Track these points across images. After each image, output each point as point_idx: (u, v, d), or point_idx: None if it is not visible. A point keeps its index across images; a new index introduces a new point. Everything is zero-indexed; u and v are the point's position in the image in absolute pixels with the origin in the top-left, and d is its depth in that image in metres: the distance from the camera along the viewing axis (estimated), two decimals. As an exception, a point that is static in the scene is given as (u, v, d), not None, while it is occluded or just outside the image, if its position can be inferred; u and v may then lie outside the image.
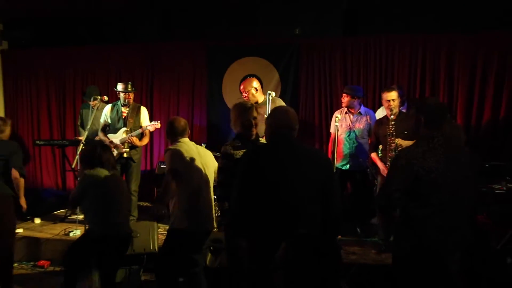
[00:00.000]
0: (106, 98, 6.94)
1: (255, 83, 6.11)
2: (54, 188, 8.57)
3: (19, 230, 6.41)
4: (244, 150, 3.65)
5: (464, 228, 3.19)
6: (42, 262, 6.02)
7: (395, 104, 5.71)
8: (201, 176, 4.38)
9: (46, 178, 8.75)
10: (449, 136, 3.29)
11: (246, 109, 4.03)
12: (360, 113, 6.21)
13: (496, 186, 5.84)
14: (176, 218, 4.33)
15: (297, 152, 3.26)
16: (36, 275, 5.78)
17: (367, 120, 6.19)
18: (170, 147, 4.43)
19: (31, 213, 7.13)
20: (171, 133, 4.50)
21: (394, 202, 3.21)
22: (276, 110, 3.54)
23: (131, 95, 6.69)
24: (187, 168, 4.29)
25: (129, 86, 6.66)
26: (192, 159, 4.32)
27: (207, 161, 4.51)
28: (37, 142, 7.96)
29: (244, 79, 6.82)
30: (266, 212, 3.15)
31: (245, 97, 5.99)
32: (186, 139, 4.50)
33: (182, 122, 4.52)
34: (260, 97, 6.08)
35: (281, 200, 3.13)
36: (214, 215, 4.59)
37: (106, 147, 4.71)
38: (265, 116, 4.72)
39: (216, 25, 8.02)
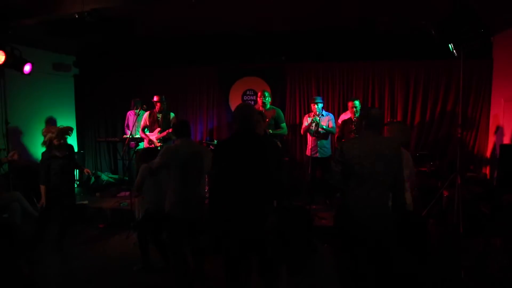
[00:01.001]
0: (145, 106, 7.04)
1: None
2: (109, 172, 8.67)
3: (85, 202, 6.55)
4: None
5: (383, 201, 3.02)
6: (101, 225, 6.14)
7: (357, 109, 5.82)
8: (192, 169, 3.85)
9: (103, 164, 8.86)
10: (383, 136, 3.24)
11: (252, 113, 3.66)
12: (323, 114, 6.27)
13: (423, 169, 5.97)
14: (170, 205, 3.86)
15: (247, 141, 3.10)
16: (98, 233, 5.86)
17: (328, 119, 6.28)
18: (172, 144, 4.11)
19: (95, 190, 7.31)
20: (181, 131, 3.97)
21: (336, 180, 3.14)
22: (237, 108, 3.24)
23: (164, 105, 6.72)
24: (178, 162, 3.80)
25: (162, 98, 6.71)
26: (183, 156, 3.81)
27: (199, 158, 3.89)
28: (98, 139, 8.08)
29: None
30: (233, 189, 3.00)
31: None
32: (186, 138, 3.97)
33: (187, 125, 4.04)
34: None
35: (243, 179, 2.98)
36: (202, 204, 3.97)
37: None
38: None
39: (224, 54, 8.08)
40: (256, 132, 3.25)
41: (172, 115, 6.85)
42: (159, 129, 6.63)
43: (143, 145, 6.90)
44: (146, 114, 6.78)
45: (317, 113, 6.13)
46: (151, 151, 4.69)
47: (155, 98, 6.69)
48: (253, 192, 2.96)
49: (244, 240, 2.82)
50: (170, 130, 6.50)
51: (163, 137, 6.55)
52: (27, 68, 6.23)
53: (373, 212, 2.97)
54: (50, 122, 8.06)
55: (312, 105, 6.27)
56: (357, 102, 6.00)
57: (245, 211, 2.92)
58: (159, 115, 6.72)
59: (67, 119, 8.83)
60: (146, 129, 6.77)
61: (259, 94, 6.39)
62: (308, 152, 6.28)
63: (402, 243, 2.28)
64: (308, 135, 6.26)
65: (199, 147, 4.18)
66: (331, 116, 6.38)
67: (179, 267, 3.83)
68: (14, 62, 5.98)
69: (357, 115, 5.72)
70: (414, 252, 2.18)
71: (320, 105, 6.22)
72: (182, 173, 3.80)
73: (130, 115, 7.48)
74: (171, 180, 3.86)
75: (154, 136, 6.62)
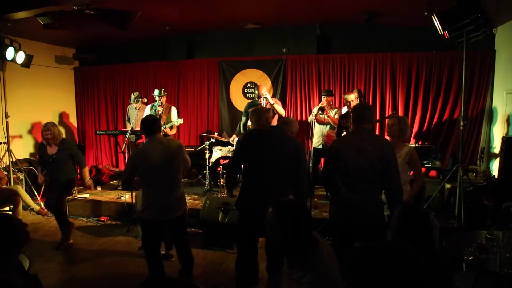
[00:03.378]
0: (145, 100, 7.01)
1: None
2: (109, 165, 8.67)
3: (86, 195, 6.53)
4: None
5: (367, 195, 3.03)
6: (102, 218, 6.13)
7: (353, 103, 5.76)
8: (162, 172, 3.60)
9: (104, 158, 8.83)
10: (372, 130, 3.21)
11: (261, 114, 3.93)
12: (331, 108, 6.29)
13: (425, 162, 5.92)
14: (141, 207, 3.71)
15: (273, 136, 3.53)
16: (99, 227, 5.89)
17: (335, 111, 6.26)
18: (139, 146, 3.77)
19: (95, 183, 7.28)
20: (148, 129, 3.65)
21: (327, 179, 3.22)
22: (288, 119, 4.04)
23: (164, 98, 6.71)
24: (147, 166, 3.54)
25: (162, 91, 6.66)
26: (155, 156, 3.54)
27: (172, 156, 3.65)
28: (98, 132, 8.03)
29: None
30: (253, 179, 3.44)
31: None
32: (156, 136, 3.64)
33: (153, 120, 3.74)
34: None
35: (262, 170, 3.38)
36: (178, 203, 3.75)
37: None
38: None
39: (225, 47, 8.04)
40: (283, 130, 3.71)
41: (173, 109, 6.83)
42: (160, 123, 6.58)
43: None
44: (148, 107, 6.77)
45: (325, 104, 6.15)
46: None
47: (156, 92, 6.66)
48: (273, 178, 3.35)
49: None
50: (172, 123, 6.55)
51: (165, 131, 6.52)
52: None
53: (361, 208, 3.02)
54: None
55: (323, 97, 6.28)
56: (353, 96, 5.92)
57: (266, 193, 3.28)
58: (161, 109, 6.69)
59: (67, 112, 8.83)
60: None
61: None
62: (311, 144, 6.29)
63: (403, 235, 2.27)
64: (316, 125, 6.27)
65: (169, 143, 3.73)
66: (337, 110, 6.37)
67: (153, 272, 3.67)
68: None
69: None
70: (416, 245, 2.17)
71: (330, 98, 6.29)
72: (152, 174, 3.57)
73: (131, 108, 7.45)
74: (141, 182, 3.65)
75: None
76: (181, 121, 6.63)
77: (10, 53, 6.25)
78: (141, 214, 3.70)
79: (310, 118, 6.28)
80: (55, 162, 4.89)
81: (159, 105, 6.68)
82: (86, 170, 5.18)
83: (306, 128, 7.19)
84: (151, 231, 3.69)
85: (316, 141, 6.33)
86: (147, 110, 6.74)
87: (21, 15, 5.51)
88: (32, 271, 2.43)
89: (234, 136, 6.91)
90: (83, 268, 4.42)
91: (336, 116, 6.20)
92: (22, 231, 2.14)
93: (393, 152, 3.11)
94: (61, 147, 4.91)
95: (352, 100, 5.80)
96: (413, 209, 2.42)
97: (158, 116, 6.61)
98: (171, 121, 6.64)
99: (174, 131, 6.87)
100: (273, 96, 7.34)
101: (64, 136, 5.10)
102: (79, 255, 4.80)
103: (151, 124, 3.68)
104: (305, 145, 7.36)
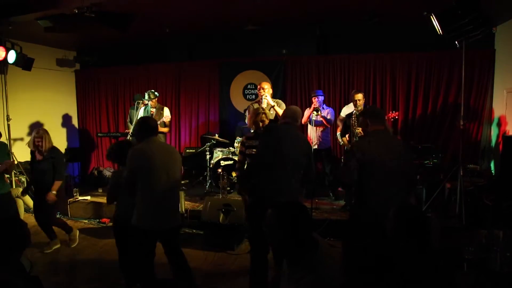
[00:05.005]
0: (146, 102, 7.01)
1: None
2: (111, 167, 8.69)
3: (87, 197, 6.55)
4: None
5: (401, 194, 3.13)
6: (104, 220, 6.14)
7: (360, 102, 5.73)
8: (163, 176, 3.32)
9: (105, 160, 8.84)
10: (388, 130, 3.38)
11: (258, 114, 4.22)
12: (323, 107, 6.25)
13: (426, 161, 5.93)
14: (138, 215, 3.31)
15: (293, 133, 3.60)
16: (100, 229, 5.89)
17: (328, 112, 6.24)
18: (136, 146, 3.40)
19: (97, 185, 7.30)
20: (142, 130, 3.41)
21: (350, 178, 3.26)
22: (287, 108, 4.02)
23: (155, 101, 6.69)
24: (149, 167, 3.27)
25: (152, 94, 6.60)
26: (156, 158, 3.30)
27: (172, 160, 3.45)
28: (99, 134, 8.06)
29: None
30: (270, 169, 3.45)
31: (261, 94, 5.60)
32: (155, 138, 3.42)
33: (153, 121, 3.54)
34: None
35: (282, 161, 3.42)
36: (177, 212, 3.58)
37: None
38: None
39: (225, 48, 8.05)
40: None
41: (166, 109, 6.80)
42: None
43: None
44: (142, 108, 6.74)
45: (318, 105, 6.10)
46: (123, 147, 3.77)
47: (145, 96, 6.63)
48: (287, 168, 3.44)
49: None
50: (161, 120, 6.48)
51: None
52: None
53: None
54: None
55: (312, 98, 6.23)
56: (360, 95, 5.90)
57: (279, 183, 3.41)
58: (153, 110, 6.71)
59: (68, 114, 8.85)
60: None
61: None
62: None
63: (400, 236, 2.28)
64: (309, 126, 6.26)
65: (171, 148, 3.53)
66: (331, 110, 6.35)
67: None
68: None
69: (359, 108, 5.65)
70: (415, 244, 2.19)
71: (321, 98, 6.22)
72: (153, 179, 3.28)
73: (132, 110, 7.43)
74: (138, 187, 3.29)
75: None
76: (169, 117, 6.61)
77: (11, 56, 6.28)
78: (138, 224, 3.28)
79: (304, 120, 6.26)
80: (38, 171, 4.78)
81: (152, 106, 6.70)
82: (58, 184, 4.77)
83: (305, 130, 7.21)
84: (150, 244, 3.35)
85: (312, 141, 6.28)
86: (141, 112, 6.74)
87: (22, 18, 5.53)
88: (33, 273, 2.44)
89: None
90: (84, 270, 4.43)
91: (329, 117, 6.18)
92: (27, 234, 2.16)
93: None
94: (47, 155, 4.74)
95: (359, 100, 5.76)
96: (409, 208, 2.43)
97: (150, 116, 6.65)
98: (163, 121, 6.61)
99: (167, 129, 6.90)
100: (273, 97, 7.33)
101: (52, 144, 4.85)
102: (81, 257, 4.81)
103: (152, 124, 3.43)
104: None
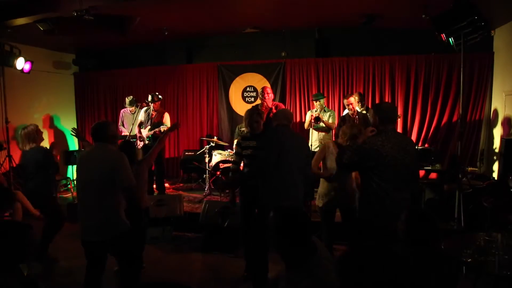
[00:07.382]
0: (144, 105, 6.99)
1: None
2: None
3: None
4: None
5: (407, 192, 3.08)
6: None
7: (353, 106, 5.76)
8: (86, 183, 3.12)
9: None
10: (399, 132, 3.35)
11: (252, 114, 4.08)
12: (325, 110, 6.25)
13: (424, 164, 5.92)
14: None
15: (291, 135, 3.73)
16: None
17: (329, 115, 6.22)
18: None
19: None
20: (96, 135, 3.27)
21: (349, 161, 3.08)
22: (278, 111, 4.05)
23: (158, 103, 6.66)
24: (79, 174, 3.20)
25: (155, 97, 6.59)
26: (90, 165, 3.14)
27: (110, 168, 3.06)
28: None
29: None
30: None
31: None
32: (99, 144, 3.25)
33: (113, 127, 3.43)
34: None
35: (284, 164, 3.52)
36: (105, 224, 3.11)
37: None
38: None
39: (224, 51, 8.06)
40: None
41: (166, 115, 6.74)
42: (149, 127, 6.60)
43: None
44: (142, 110, 6.76)
45: (318, 113, 6.10)
46: (129, 145, 4.23)
47: (149, 98, 6.61)
48: (292, 169, 3.54)
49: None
50: (160, 129, 6.41)
51: (152, 135, 6.49)
52: (26, 66, 6.31)
53: (405, 205, 2.97)
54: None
55: (313, 102, 6.24)
56: (352, 99, 5.91)
57: (284, 182, 3.52)
58: (153, 113, 6.67)
59: (67, 117, 8.84)
60: (142, 126, 6.74)
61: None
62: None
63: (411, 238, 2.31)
64: (311, 129, 6.25)
65: (111, 156, 3.13)
66: (332, 112, 6.34)
67: None
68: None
69: (350, 112, 5.72)
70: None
71: (322, 101, 6.22)
72: (84, 187, 3.12)
73: (126, 113, 7.42)
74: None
75: (144, 133, 6.62)
76: (164, 127, 6.42)
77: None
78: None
79: (307, 125, 6.26)
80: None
81: (153, 110, 6.66)
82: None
83: (306, 132, 7.22)
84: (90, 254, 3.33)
85: (313, 144, 6.29)
86: (142, 114, 6.74)
87: (21, 21, 5.53)
88: (33, 275, 2.43)
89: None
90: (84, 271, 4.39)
91: (331, 120, 6.17)
92: (34, 242, 2.15)
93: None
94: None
95: (351, 103, 5.78)
96: (422, 212, 2.44)
97: (150, 120, 6.64)
98: (163, 124, 6.51)
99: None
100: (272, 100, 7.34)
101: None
102: (81, 258, 4.76)
103: (99, 127, 3.24)
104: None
